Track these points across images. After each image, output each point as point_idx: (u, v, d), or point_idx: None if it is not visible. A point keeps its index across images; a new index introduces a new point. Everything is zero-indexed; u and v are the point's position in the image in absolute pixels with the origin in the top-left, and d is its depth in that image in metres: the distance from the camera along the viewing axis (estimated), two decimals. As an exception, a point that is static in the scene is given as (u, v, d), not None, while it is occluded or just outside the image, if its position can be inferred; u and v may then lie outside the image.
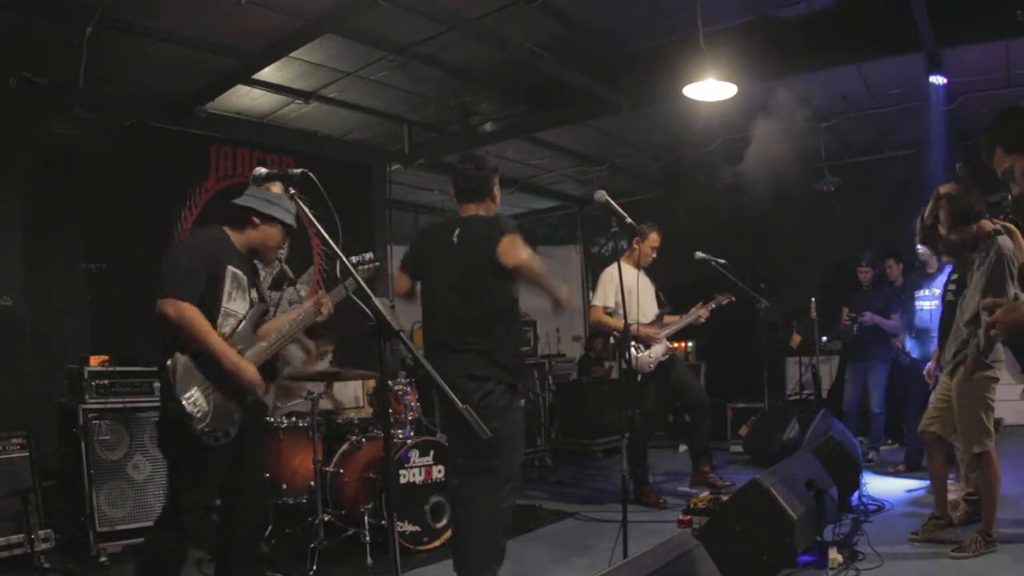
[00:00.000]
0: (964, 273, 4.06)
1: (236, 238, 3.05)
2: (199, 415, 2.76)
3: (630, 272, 5.14)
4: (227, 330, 2.91)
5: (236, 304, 2.96)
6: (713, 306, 5.85)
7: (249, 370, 2.85)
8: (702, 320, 5.78)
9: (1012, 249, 3.75)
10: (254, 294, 3.07)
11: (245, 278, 3.02)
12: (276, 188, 3.05)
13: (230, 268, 2.95)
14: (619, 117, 6.69)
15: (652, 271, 5.73)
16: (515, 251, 3.23)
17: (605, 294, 5.44)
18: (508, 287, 3.35)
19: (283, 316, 3.26)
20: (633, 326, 4.85)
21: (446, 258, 3.37)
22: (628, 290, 4.57)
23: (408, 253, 3.61)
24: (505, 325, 3.33)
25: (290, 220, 3.10)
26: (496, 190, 3.55)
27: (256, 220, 3.04)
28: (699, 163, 7.85)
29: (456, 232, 3.39)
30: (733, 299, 5.96)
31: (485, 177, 3.47)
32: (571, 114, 6.75)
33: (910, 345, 6.06)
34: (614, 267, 5.30)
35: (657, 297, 5.72)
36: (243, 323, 2.99)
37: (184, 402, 2.74)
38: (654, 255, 5.57)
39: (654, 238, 5.52)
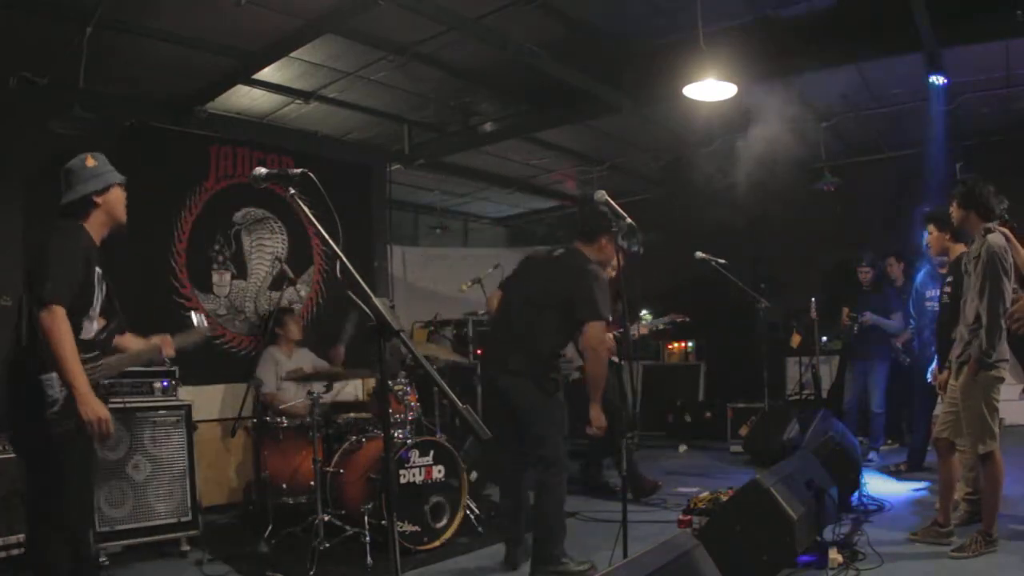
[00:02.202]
0: (960, 276, 4.06)
1: (91, 227, 3.01)
2: None
3: None
4: (89, 335, 2.91)
5: (97, 305, 2.98)
6: (660, 325, 5.92)
7: (94, 407, 2.76)
8: (636, 336, 5.87)
9: (1003, 246, 3.74)
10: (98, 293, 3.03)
11: (100, 274, 3.02)
12: (90, 160, 3.06)
13: (97, 270, 2.97)
14: (619, 117, 6.68)
15: (649, 271, 5.79)
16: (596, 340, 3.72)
17: None
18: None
19: (134, 345, 3.24)
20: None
21: (540, 270, 3.98)
22: None
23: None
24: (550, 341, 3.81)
25: (120, 177, 3.13)
26: (605, 242, 3.98)
27: (97, 199, 3.02)
28: (699, 163, 7.85)
29: (558, 251, 4.02)
30: (687, 319, 6.02)
31: (592, 229, 3.98)
32: (571, 114, 6.74)
33: (918, 345, 6.02)
34: None
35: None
36: (105, 333, 3.00)
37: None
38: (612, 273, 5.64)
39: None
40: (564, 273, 3.86)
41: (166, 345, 3.24)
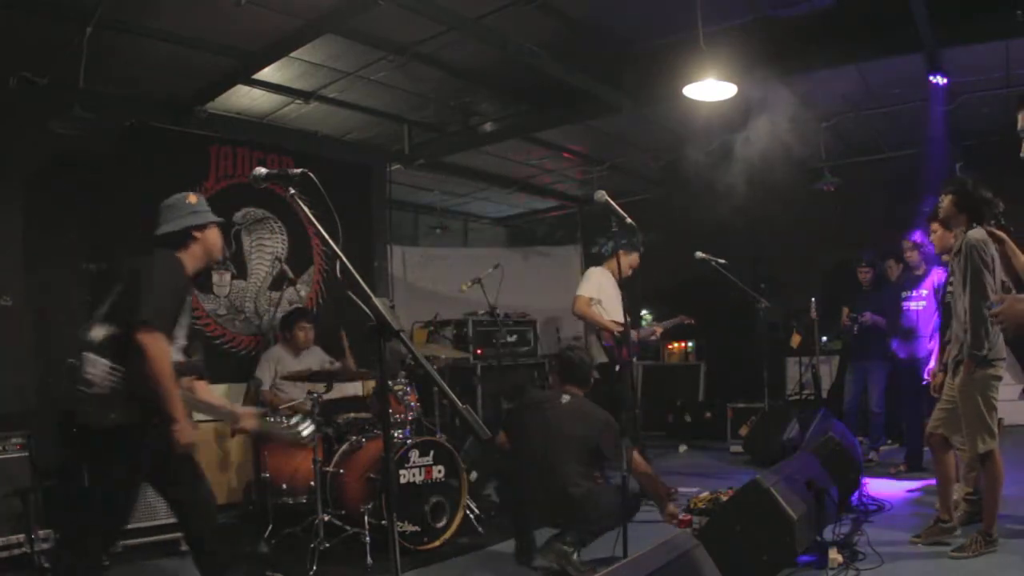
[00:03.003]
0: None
1: (186, 260, 3.09)
2: None
3: (609, 277, 5.64)
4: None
5: (180, 332, 3.03)
6: (671, 325, 5.99)
7: (190, 434, 2.87)
8: (654, 337, 6.05)
9: (982, 239, 3.73)
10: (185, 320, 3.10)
11: (188, 303, 3.10)
12: (192, 198, 3.17)
13: (188, 299, 3.05)
14: (619, 117, 6.68)
15: (649, 271, 5.85)
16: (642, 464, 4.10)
17: (590, 287, 5.65)
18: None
19: (212, 395, 3.32)
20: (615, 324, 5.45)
21: (552, 419, 4.04)
22: (609, 292, 5.04)
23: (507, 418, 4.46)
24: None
25: (219, 219, 3.22)
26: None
27: (196, 234, 3.11)
28: (699, 163, 7.85)
29: (564, 399, 4.13)
30: (693, 321, 6.12)
31: (586, 375, 4.31)
32: (571, 114, 6.74)
33: (896, 345, 6.08)
34: (600, 268, 5.77)
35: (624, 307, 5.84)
36: (185, 366, 3.05)
37: None
38: (629, 272, 5.73)
39: (635, 258, 5.72)
40: (588, 423, 4.05)
41: (246, 417, 3.21)
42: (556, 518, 3.92)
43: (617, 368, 5.56)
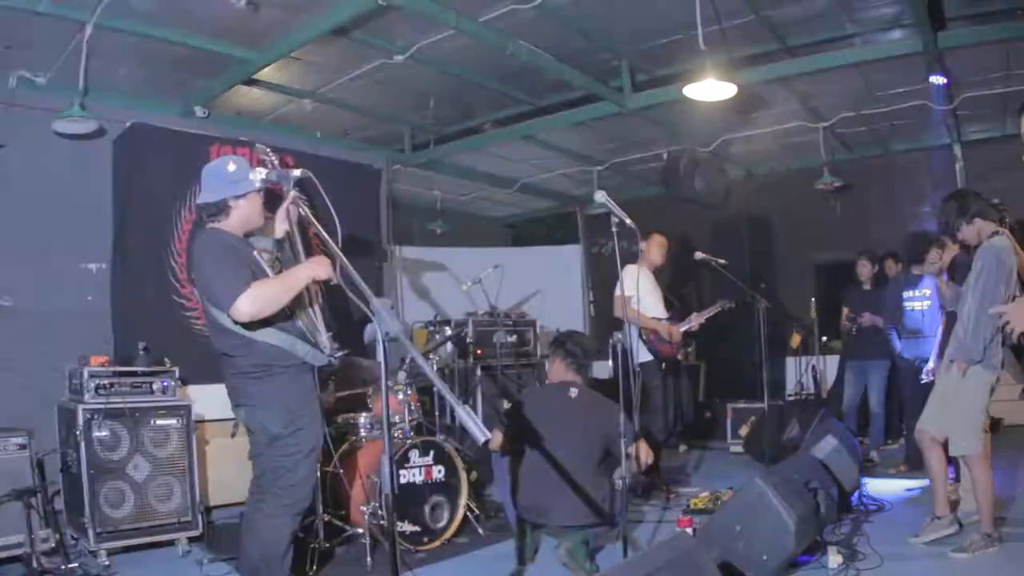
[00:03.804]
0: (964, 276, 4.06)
1: (228, 227, 3.06)
2: None
3: (645, 272, 5.57)
4: None
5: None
6: (711, 313, 6.02)
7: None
8: (694, 328, 6.00)
9: (1003, 247, 3.73)
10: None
11: (268, 257, 3.12)
12: (231, 166, 3.04)
13: (254, 255, 3.03)
14: (619, 117, 6.68)
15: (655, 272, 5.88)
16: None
17: (625, 285, 5.58)
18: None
19: None
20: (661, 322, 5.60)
21: (564, 416, 3.95)
22: (645, 288, 5.02)
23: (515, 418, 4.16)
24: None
25: (259, 183, 3.06)
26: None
27: (232, 204, 3.03)
28: (699, 163, 7.86)
29: (573, 392, 4.05)
30: (733, 306, 6.12)
31: (587, 362, 4.34)
32: (571, 114, 6.74)
33: (901, 345, 6.06)
34: (634, 265, 5.53)
35: (666, 299, 5.82)
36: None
37: None
38: (662, 259, 5.79)
39: (661, 240, 5.79)
40: (601, 418, 3.95)
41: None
42: (576, 519, 3.84)
43: (663, 365, 5.64)
